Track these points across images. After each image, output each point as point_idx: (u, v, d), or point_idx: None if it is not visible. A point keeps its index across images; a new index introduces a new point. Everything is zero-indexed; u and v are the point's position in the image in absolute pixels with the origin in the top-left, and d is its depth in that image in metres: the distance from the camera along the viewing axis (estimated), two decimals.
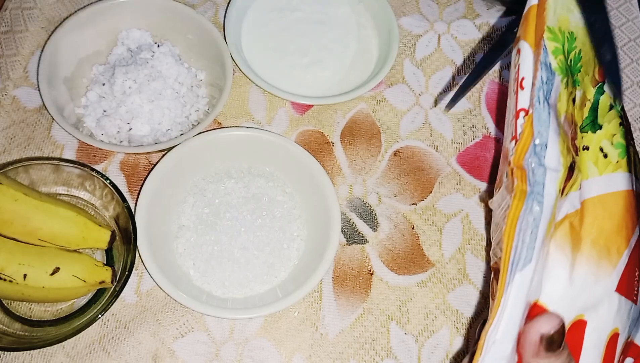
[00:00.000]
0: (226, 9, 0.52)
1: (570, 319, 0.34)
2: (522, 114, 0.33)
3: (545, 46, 0.35)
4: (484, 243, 0.48)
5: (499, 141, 0.52)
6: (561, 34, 0.37)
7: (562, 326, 0.30)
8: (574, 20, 0.38)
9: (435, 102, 0.52)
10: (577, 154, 0.36)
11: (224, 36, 0.50)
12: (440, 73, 0.54)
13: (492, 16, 0.57)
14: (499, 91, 0.54)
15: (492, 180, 0.50)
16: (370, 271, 0.46)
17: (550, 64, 0.35)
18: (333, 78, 0.52)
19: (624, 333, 0.35)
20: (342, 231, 0.47)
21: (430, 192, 0.49)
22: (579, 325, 0.34)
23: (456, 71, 0.54)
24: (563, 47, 0.37)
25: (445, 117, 0.52)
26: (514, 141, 0.33)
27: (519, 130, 0.34)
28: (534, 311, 0.33)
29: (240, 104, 0.51)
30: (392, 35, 0.52)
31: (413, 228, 0.48)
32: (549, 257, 0.34)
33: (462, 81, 0.43)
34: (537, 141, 0.32)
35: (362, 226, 0.48)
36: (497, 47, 0.45)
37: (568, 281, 0.34)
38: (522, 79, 0.34)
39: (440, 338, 0.44)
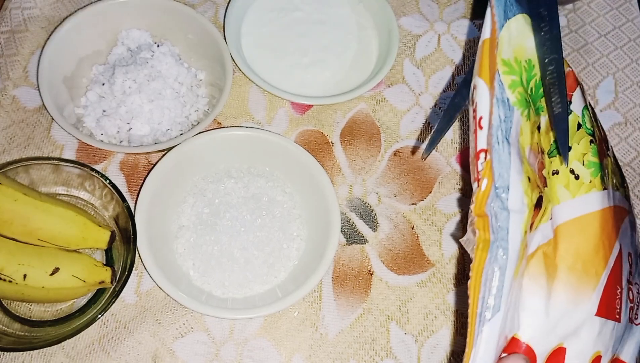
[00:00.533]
0: (226, 9, 0.52)
1: (549, 349, 0.33)
2: (482, 155, 0.32)
3: (501, 81, 0.33)
4: None
5: None
6: (517, 64, 0.35)
7: None
8: (530, 46, 0.36)
9: (413, 152, 0.51)
10: (545, 186, 0.35)
11: (224, 36, 0.50)
12: (440, 73, 0.54)
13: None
14: None
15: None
16: (370, 271, 0.46)
17: (508, 99, 0.33)
18: (333, 78, 0.52)
19: (607, 354, 0.35)
20: (341, 231, 0.47)
21: (430, 192, 0.49)
22: (559, 353, 0.33)
23: (456, 71, 0.54)
24: (521, 78, 0.35)
25: None
26: (476, 183, 0.32)
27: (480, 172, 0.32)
28: (511, 347, 0.32)
29: (240, 104, 0.51)
30: (392, 35, 0.52)
31: (413, 228, 0.48)
32: (522, 291, 0.33)
33: (436, 125, 0.40)
34: (497, 184, 0.31)
35: (361, 226, 0.48)
36: (467, 84, 0.39)
37: (544, 312, 0.33)
38: (480, 118, 0.32)
39: (440, 338, 0.44)
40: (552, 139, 0.36)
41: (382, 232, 0.47)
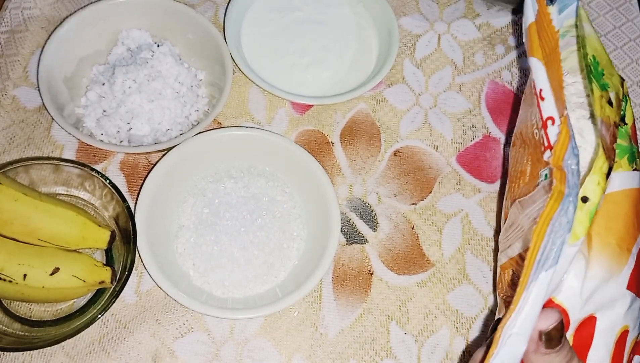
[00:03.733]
0: (226, 9, 0.52)
1: (581, 316, 0.35)
2: (549, 122, 0.33)
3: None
4: (484, 243, 0.48)
5: (498, 141, 0.52)
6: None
7: (561, 322, 0.30)
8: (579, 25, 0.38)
9: None
10: (615, 158, 0.36)
11: (224, 36, 0.50)
12: (440, 73, 0.54)
13: (492, 16, 0.57)
14: (499, 91, 0.54)
15: (490, 179, 0.50)
16: (370, 271, 0.46)
17: None
18: (333, 78, 0.52)
19: (634, 330, 0.36)
20: (342, 231, 0.47)
21: (430, 192, 0.49)
22: (589, 322, 0.35)
23: (456, 71, 0.54)
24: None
25: (445, 117, 0.52)
26: (548, 151, 0.33)
27: (551, 139, 0.34)
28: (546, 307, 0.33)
29: (240, 104, 0.51)
30: (392, 36, 0.52)
31: (413, 228, 0.48)
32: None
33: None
34: (573, 143, 0.32)
35: (362, 226, 0.48)
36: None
37: (583, 280, 0.35)
38: (541, 90, 0.34)
39: (440, 338, 0.44)
40: (619, 113, 0.38)
41: (382, 232, 0.47)
